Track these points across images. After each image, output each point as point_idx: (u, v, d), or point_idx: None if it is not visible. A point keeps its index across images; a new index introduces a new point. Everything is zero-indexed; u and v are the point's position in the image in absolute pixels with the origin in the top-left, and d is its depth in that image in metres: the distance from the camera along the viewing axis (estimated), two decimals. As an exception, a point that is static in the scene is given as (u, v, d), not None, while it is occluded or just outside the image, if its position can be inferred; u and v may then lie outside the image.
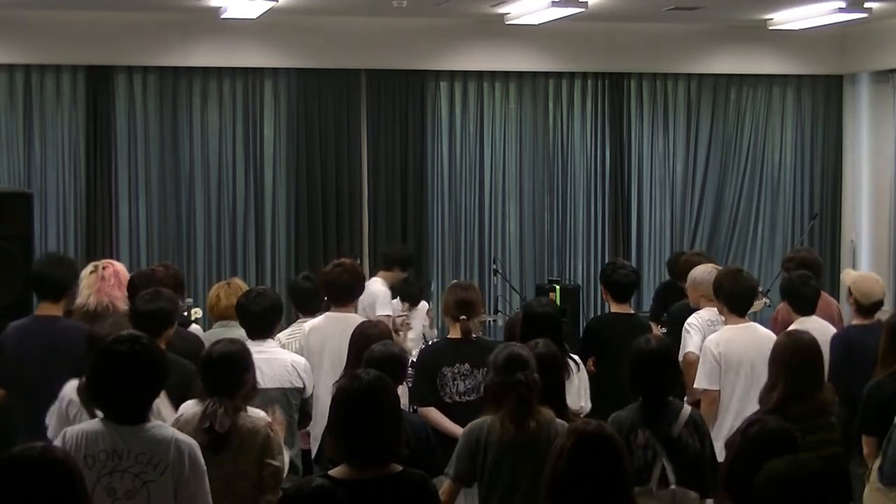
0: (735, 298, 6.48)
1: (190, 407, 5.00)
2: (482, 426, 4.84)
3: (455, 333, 6.31)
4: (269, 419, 5.05)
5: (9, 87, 11.06)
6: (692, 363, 6.56)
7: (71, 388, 5.10)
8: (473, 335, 6.31)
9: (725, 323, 6.55)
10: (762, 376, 6.30)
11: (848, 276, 7.42)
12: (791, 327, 6.38)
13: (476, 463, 4.81)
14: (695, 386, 6.42)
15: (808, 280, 6.86)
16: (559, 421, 4.87)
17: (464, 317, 6.27)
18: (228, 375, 4.86)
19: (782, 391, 5.17)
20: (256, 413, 5.04)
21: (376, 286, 8.55)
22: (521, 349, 4.99)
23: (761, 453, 3.58)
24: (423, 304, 9.17)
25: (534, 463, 4.66)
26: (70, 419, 4.96)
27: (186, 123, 11.43)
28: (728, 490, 3.75)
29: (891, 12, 10.61)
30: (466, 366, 6.18)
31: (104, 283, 6.40)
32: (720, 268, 7.12)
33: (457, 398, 6.16)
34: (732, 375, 6.32)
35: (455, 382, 6.14)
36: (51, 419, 5.19)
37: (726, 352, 6.32)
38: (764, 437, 3.70)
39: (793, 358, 5.24)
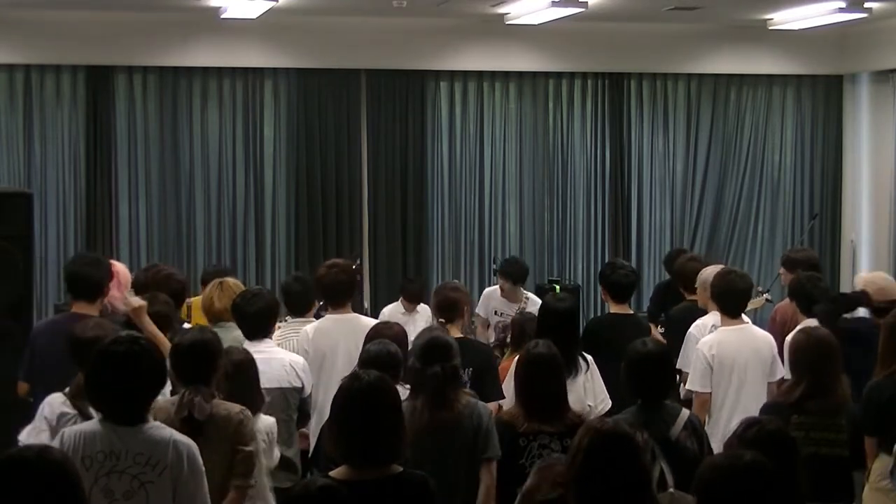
0: (725, 299, 6.51)
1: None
2: None
3: None
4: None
5: (9, 87, 11.06)
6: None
7: (49, 403, 5.08)
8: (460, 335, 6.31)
9: (721, 323, 6.57)
10: (755, 377, 6.33)
11: (860, 279, 7.42)
12: (799, 327, 6.39)
13: None
14: (687, 387, 6.46)
15: (818, 282, 6.91)
16: (482, 404, 5.02)
17: (442, 319, 6.30)
18: (201, 364, 4.88)
19: (806, 388, 5.20)
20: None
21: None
22: (444, 336, 5.03)
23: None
24: (425, 308, 9.15)
25: (449, 448, 4.83)
26: (56, 429, 4.95)
27: (186, 123, 11.43)
28: None
29: (891, 12, 10.60)
30: None
31: (103, 282, 6.39)
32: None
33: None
34: (726, 376, 6.34)
35: None
36: (28, 437, 5.11)
37: (719, 353, 6.35)
38: (762, 439, 3.68)
39: (814, 355, 5.28)
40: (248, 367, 5.32)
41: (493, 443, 4.97)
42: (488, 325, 9.07)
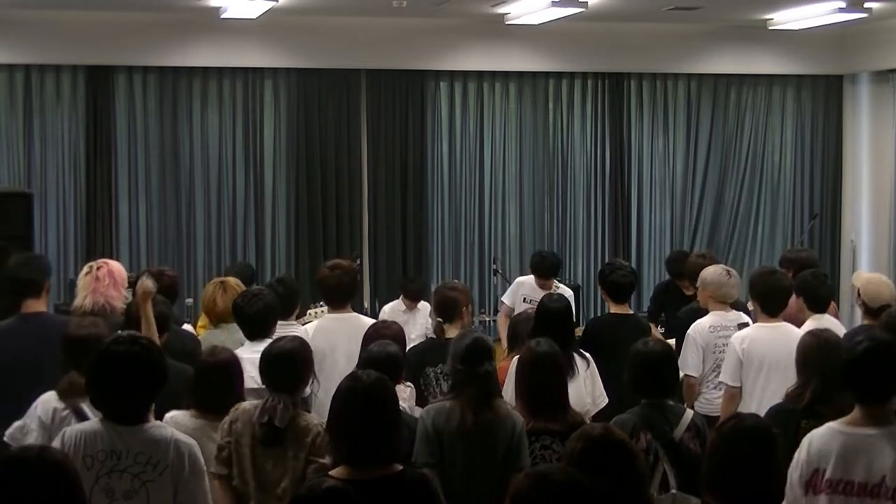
0: (765, 298, 6.53)
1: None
2: (440, 412, 4.94)
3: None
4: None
5: (9, 87, 11.06)
6: (692, 386, 6.73)
7: (42, 402, 5.06)
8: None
9: (756, 321, 6.62)
10: (784, 375, 6.30)
11: (859, 277, 7.45)
12: (805, 325, 6.41)
13: (433, 448, 4.87)
14: (719, 380, 6.51)
15: (824, 279, 6.97)
16: (514, 412, 5.03)
17: (440, 319, 6.33)
18: (288, 372, 4.92)
19: (814, 392, 5.20)
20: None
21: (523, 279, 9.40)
22: (485, 337, 5.07)
23: (738, 450, 3.57)
24: (425, 305, 9.15)
25: (489, 451, 4.83)
26: (56, 425, 4.93)
27: (186, 123, 11.43)
28: (707, 488, 3.73)
29: (891, 12, 10.61)
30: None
31: (99, 283, 6.38)
32: (731, 269, 7.16)
33: (440, 398, 6.16)
34: (753, 373, 6.36)
35: (439, 383, 6.16)
36: (14, 434, 5.07)
37: (749, 349, 6.37)
38: (738, 434, 3.67)
39: (823, 357, 5.27)
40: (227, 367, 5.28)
41: (524, 452, 4.98)
42: (511, 313, 9.04)
